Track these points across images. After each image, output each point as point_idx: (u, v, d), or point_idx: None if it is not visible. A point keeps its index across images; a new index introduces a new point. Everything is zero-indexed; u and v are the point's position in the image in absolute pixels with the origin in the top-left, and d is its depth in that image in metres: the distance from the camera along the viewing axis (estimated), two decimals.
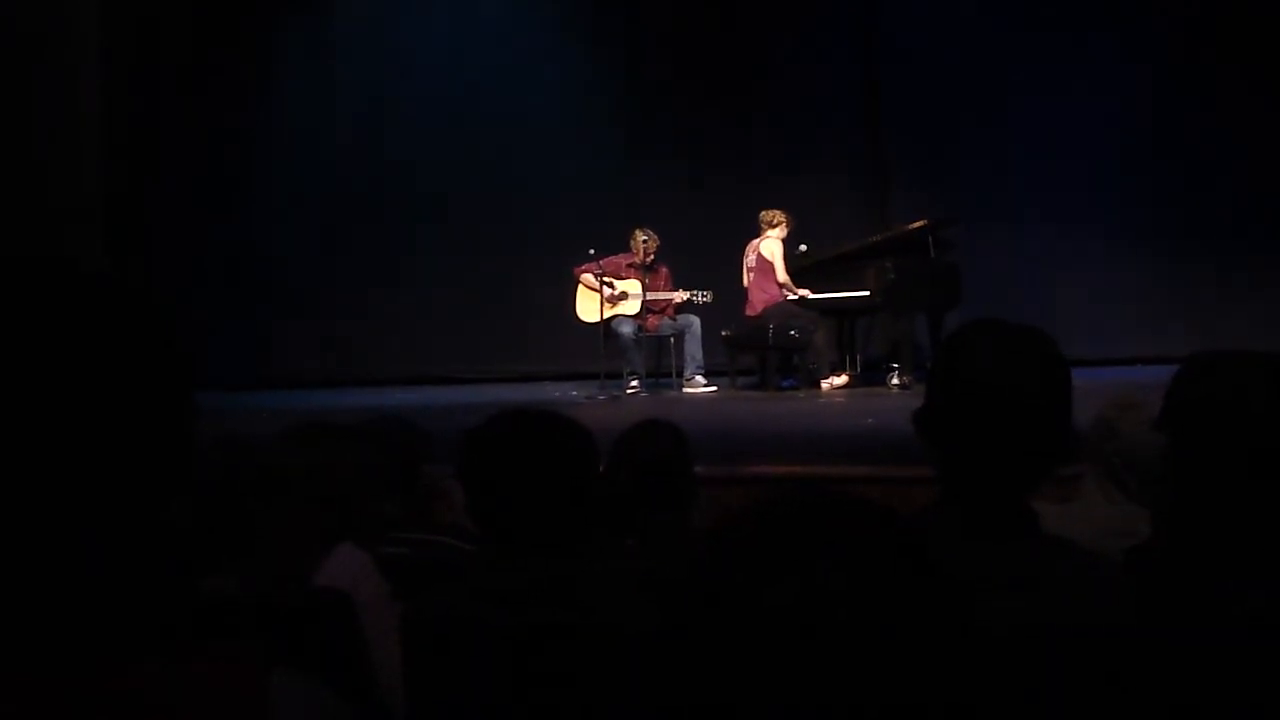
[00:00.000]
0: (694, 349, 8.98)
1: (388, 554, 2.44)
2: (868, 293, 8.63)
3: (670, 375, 9.09)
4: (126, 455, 0.83)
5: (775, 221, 8.78)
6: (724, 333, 8.89)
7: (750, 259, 8.84)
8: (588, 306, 9.00)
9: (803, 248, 8.92)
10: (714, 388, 8.87)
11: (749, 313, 8.77)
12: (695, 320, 8.98)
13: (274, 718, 0.77)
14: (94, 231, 7.45)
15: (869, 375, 9.01)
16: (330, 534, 2.20)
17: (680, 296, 8.94)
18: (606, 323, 8.88)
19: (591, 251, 8.82)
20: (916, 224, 8.73)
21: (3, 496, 0.80)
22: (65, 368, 0.82)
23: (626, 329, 8.85)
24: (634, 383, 8.83)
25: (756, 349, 8.94)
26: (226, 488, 2.09)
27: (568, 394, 8.84)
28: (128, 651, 0.77)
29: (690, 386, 8.89)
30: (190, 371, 0.89)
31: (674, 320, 9.06)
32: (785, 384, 8.85)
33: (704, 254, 9.44)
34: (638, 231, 8.99)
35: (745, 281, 8.88)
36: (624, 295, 8.99)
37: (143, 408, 0.84)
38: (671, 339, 9.09)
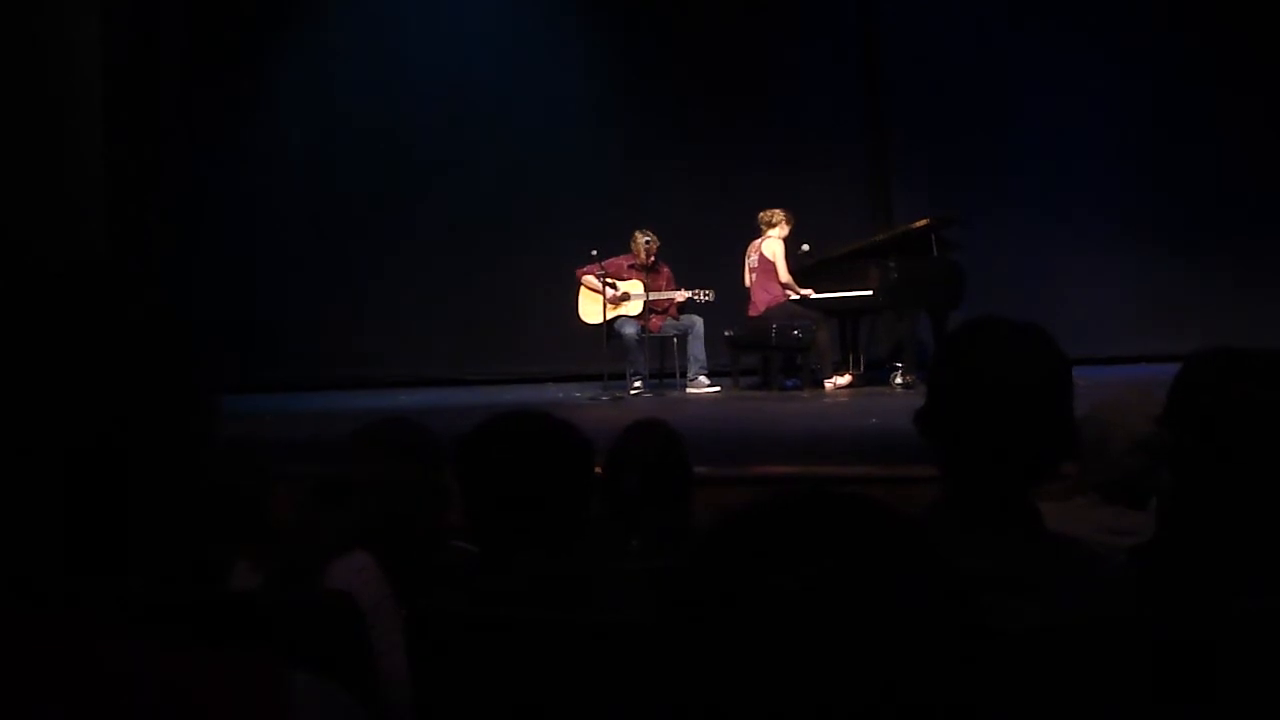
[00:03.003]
0: (697, 349, 8.97)
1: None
2: (871, 292, 8.62)
3: (674, 376, 9.10)
4: (149, 458, 0.83)
5: (774, 221, 8.77)
6: (727, 333, 8.88)
7: (752, 259, 8.84)
8: (590, 308, 8.99)
9: (805, 247, 8.90)
10: (717, 388, 8.87)
11: (751, 313, 8.77)
12: (698, 321, 8.97)
13: (293, 718, 0.77)
14: (96, 233, 7.46)
15: (872, 375, 8.99)
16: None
17: (682, 296, 8.93)
18: (609, 324, 8.87)
19: (594, 253, 8.81)
20: (919, 223, 8.71)
21: (18, 493, 0.80)
22: (89, 367, 0.82)
23: (629, 330, 8.85)
24: (637, 383, 8.82)
25: (759, 349, 8.93)
26: (234, 490, 2.10)
27: (571, 395, 8.83)
28: (144, 649, 0.78)
29: (694, 387, 8.88)
30: (215, 374, 0.90)
31: (677, 320, 9.06)
32: (788, 384, 8.84)
33: (705, 254, 9.43)
34: (638, 233, 8.98)
35: (747, 282, 8.87)
36: (626, 296, 8.99)
37: (165, 409, 0.85)
38: (674, 339, 9.09)
